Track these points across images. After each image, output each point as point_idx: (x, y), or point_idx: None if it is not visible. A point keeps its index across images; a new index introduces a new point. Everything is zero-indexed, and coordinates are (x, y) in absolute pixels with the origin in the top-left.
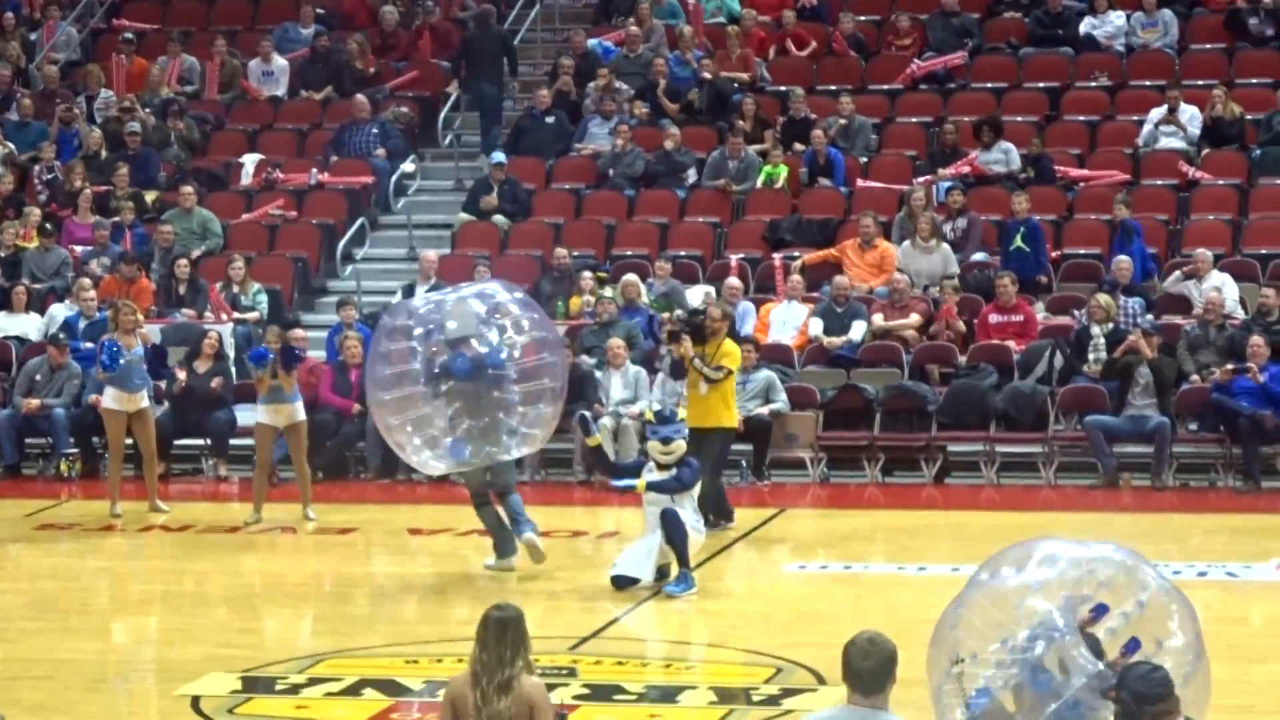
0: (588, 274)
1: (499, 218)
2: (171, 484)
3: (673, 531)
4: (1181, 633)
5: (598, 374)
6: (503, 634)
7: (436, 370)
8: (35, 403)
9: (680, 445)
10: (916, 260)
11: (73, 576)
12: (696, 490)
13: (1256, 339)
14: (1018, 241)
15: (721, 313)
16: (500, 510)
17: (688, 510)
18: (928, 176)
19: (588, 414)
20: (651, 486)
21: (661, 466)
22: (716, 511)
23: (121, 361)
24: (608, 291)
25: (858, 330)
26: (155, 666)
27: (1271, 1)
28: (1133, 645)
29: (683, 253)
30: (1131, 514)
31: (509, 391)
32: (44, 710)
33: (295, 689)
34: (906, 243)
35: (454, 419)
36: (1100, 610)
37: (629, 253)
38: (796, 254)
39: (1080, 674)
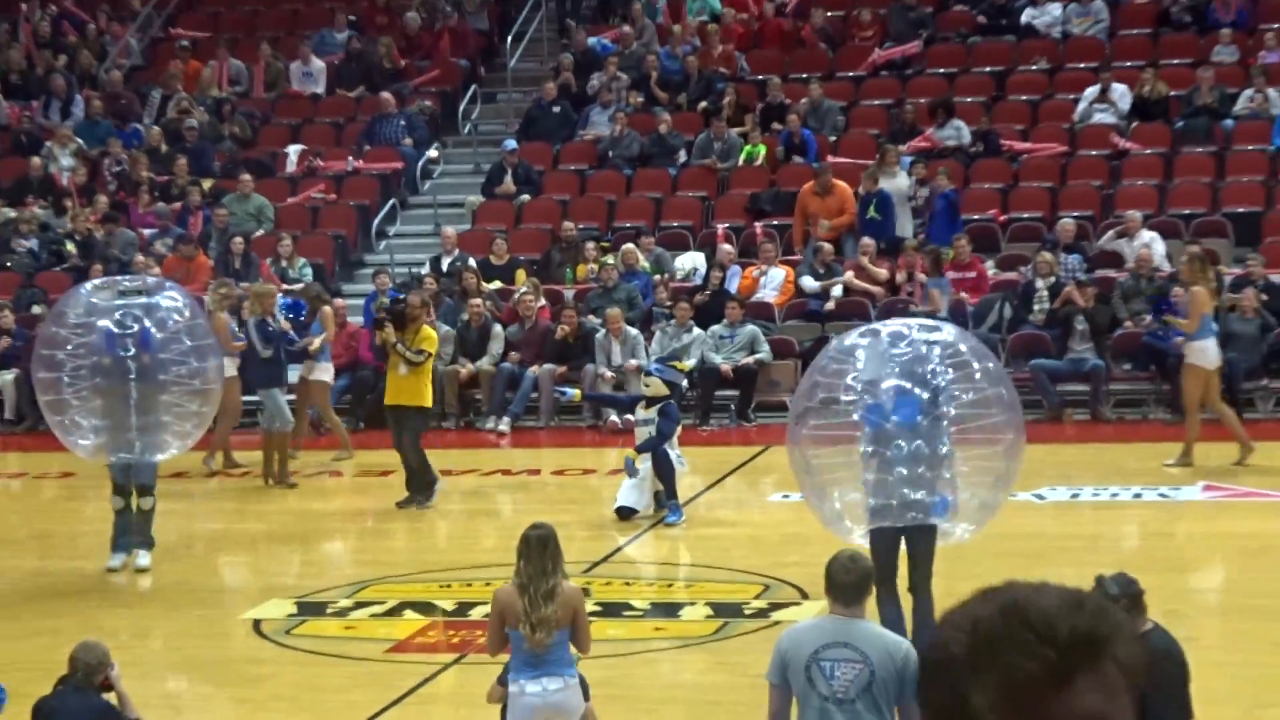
0: (591, 244)
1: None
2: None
3: (661, 467)
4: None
5: (598, 335)
6: (544, 548)
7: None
8: None
9: (655, 381)
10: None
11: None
12: (678, 431)
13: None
14: (871, 211)
15: (420, 301)
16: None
17: (673, 452)
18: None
19: (558, 390)
20: (640, 449)
21: (647, 400)
22: (414, 487)
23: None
24: (609, 259)
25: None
26: (222, 594)
27: None
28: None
29: (675, 223)
30: (1074, 445)
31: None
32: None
33: (344, 612)
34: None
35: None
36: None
37: (628, 224)
38: (775, 222)
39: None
